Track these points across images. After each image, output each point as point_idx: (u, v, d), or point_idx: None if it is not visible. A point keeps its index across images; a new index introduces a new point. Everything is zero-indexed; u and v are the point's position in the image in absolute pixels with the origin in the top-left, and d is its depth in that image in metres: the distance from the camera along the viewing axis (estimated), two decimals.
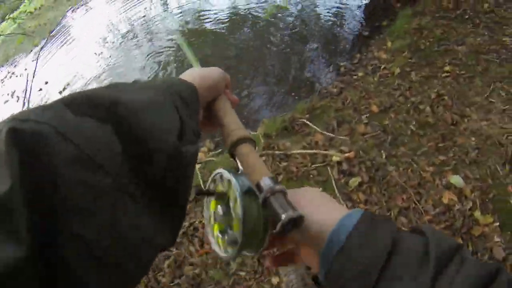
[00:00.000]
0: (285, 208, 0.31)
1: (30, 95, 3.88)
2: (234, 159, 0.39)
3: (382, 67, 2.64)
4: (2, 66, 5.37)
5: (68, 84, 4.45)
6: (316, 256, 0.34)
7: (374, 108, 2.29)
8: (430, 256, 0.28)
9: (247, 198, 0.35)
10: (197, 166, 2.33)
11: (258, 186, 0.34)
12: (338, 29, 3.38)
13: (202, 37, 4.19)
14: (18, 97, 4.19)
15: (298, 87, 2.94)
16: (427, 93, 2.27)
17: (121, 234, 0.26)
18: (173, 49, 4.22)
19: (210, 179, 0.42)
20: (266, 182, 0.33)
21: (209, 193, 0.39)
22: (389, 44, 2.88)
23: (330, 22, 3.48)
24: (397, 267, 0.28)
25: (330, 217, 0.33)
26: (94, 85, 4.52)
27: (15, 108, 4.35)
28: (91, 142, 0.25)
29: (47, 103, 0.28)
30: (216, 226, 0.40)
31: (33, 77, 3.79)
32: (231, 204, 0.37)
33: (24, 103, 3.81)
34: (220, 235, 0.39)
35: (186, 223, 1.94)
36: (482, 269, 0.28)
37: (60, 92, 4.56)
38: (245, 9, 4.07)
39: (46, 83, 4.37)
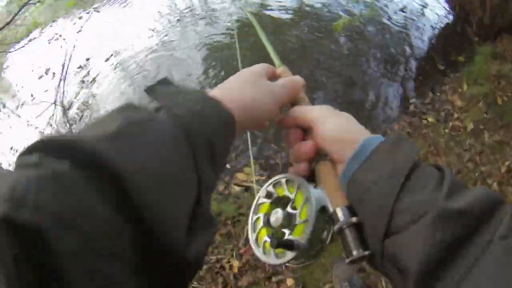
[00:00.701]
0: (357, 245, 0.33)
1: (67, 72, 3.79)
2: (313, 172, 0.40)
3: (455, 117, 2.58)
4: (50, 26, 5.27)
5: (113, 55, 4.38)
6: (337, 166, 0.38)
7: None
8: (445, 180, 0.31)
9: (319, 213, 0.37)
10: (237, 189, 2.30)
11: (334, 212, 0.36)
12: (409, 53, 3.19)
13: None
14: (54, 73, 4.07)
15: (357, 116, 2.88)
16: (497, 164, 2.25)
17: None
18: (231, 32, 4.05)
19: (272, 180, 0.42)
20: (343, 211, 0.35)
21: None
22: (465, 87, 2.77)
23: (400, 44, 3.29)
24: (416, 182, 0.31)
25: (359, 132, 0.38)
26: (142, 58, 4.48)
27: (50, 83, 4.30)
28: (97, 226, 0.23)
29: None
30: (263, 231, 0.40)
31: (72, 50, 3.74)
32: (297, 211, 0.38)
33: (60, 80, 3.71)
34: (268, 240, 0.39)
35: (213, 258, 1.91)
36: (492, 194, 0.30)
37: (107, 60, 4.51)
38: (312, 10, 3.86)
39: (88, 59, 4.30)
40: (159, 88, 0.35)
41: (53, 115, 3.67)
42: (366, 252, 0.33)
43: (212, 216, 0.32)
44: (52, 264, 0.21)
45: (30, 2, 4.90)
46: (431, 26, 3.41)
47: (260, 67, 0.43)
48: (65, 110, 3.59)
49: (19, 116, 3.96)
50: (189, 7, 4.89)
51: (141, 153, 0.27)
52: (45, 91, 4.29)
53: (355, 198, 0.34)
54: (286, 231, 0.38)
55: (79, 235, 0.22)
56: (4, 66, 5.90)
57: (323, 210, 0.37)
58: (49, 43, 4.69)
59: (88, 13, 4.74)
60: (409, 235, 0.29)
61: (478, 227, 0.28)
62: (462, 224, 0.27)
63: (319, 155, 0.39)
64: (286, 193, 0.40)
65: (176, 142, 0.30)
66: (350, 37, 3.41)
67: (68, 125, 3.54)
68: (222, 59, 3.86)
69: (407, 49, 3.24)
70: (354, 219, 0.34)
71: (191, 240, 0.28)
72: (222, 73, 3.65)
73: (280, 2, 4.09)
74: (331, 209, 0.36)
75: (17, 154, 0.26)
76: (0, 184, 0.22)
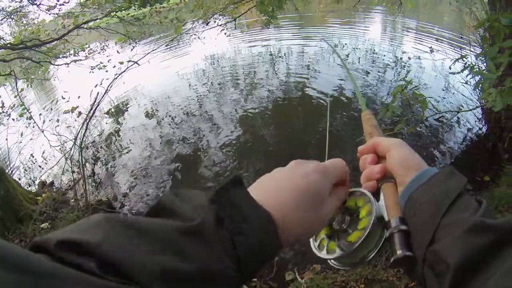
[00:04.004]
0: (402, 246, 0.39)
1: (93, 114, 3.89)
2: (379, 190, 0.47)
3: None
4: (98, 53, 5.50)
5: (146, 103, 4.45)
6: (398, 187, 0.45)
7: None
8: (482, 206, 0.37)
9: (376, 222, 0.43)
10: None
11: (389, 221, 0.42)
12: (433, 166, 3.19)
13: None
14: (79, 112, 4.08)
15: None
16: None
17: None
18: (260, 111, 4.17)
19: (353, 189, 0.48)
20: (396, 220, 0.41)
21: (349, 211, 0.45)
22: None
23: (427, 154, 3.26)
24: (460, 206, 0.38)
25: (421, 163, 0.45)
26: (176, 112, 4.48)
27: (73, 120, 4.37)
28: None
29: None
30: (325, 229, 0.46)
31: (103, 96, 3.83)
32: (358, 221, 0.44)
33: (85, 121, 3.76)
34: (325, 238, 0.46)
35: None
36: None
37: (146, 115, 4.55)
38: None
39: (120, 102, 4.48)
40: (230, 192, 0.35)
41: (71, 149, 3.76)
42: (409, 253, 0.38)
43: None
44: None
45: (81, 25, 5.17)
46: (464, 137, 3.35)
47: (294, 162, 0.44)
48: (82, 150, 3.66)
49: (42, 131, 4.04)
50: (235, 75, 5.06)
51: (179, 254, 0.28)
52: (68, 127, 4.51)
53: (410, 212, 0.41)
54: (343, 234, 0.44)
55: None
56: (48, 76, 6.15)
57: (380, 220, 0.43)
58: (92, 70, 4.87)
59: (134, 46, 4.93)
60: (449, 240, 0.35)
61: (504, 242, 0.33)
62: (490, 237, 0.33)
63: (385, 177, 0.47)
64: (356, 204, 0.47)
65: (215, 257, 0.30)
66: None
67: (81, 163, 3.60)
68: (252, 130, 4.02)
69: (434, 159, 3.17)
70: (404, 227, 0.40)
71: None
72: (250, 144, 3.77)
73: None
74: (386, 218, 0.43)
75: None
76: None
